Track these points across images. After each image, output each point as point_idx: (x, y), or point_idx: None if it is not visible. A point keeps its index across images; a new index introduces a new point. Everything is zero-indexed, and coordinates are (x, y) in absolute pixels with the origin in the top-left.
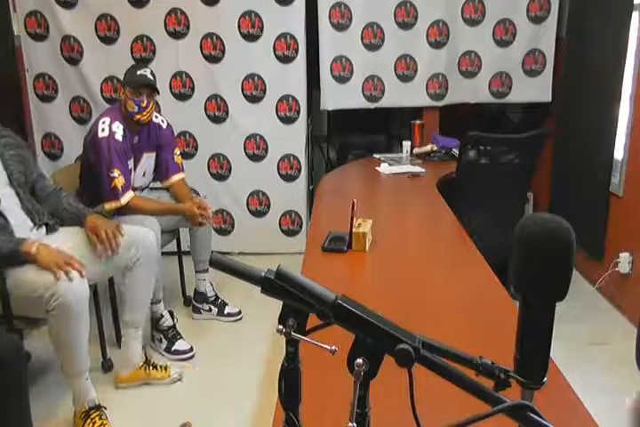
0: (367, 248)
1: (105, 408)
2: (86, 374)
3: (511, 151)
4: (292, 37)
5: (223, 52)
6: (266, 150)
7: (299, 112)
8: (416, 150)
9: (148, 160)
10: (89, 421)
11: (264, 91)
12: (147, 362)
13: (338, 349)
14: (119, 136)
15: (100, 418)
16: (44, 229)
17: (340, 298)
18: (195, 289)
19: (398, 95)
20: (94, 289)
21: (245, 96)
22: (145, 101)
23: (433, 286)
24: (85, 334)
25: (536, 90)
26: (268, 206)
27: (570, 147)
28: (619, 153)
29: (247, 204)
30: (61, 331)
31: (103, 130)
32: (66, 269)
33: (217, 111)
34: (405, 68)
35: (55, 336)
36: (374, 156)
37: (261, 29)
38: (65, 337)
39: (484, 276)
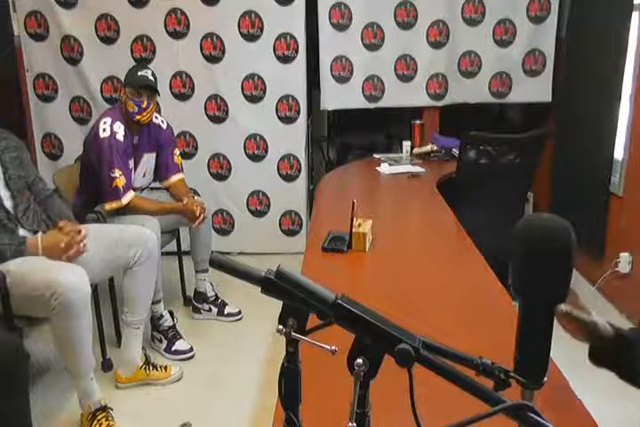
0: (367, 248)
1: (112, 409)
2: (91, 374)
3: (511, 151)
4: (292, 37)
5: (223, 52)
6: (266, 150)
7: (299, 112)
8: (416, 150)
9: (149, 160)
10: (95, 422)
11: (264, 91)
12: (147, 362)
13: (338, 349)
14: (120, 136)
15: (107, 419)
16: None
17: (340, 298)
18: (195, 289)
19: (398, 95)
20: (94, 289)
21: (245, 96)
22: (145, 102)
23: (433, 286)
24: (88, 333)
25: (536, 90)
26: (268, 206)
27: (570, 147)
28: (619, 153)
29: (247, 204)
30: (64, 331)
31: (104, 130)
32: (69, 256)
33: (217, 111)
34: (405, 68)
35: (58, 337)
36: (374, 156)
37: (261, 29)
38: (67, 337)
39: (484, 276)
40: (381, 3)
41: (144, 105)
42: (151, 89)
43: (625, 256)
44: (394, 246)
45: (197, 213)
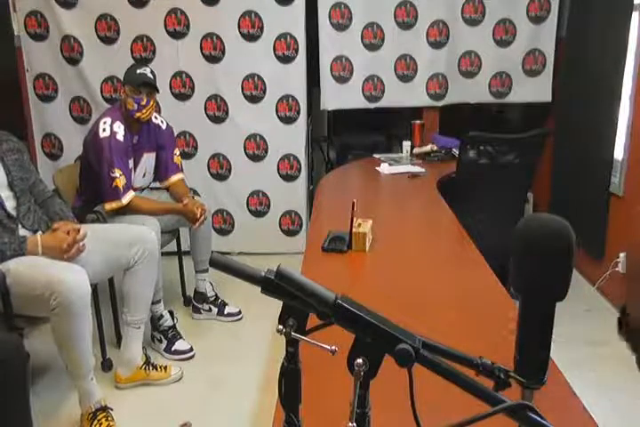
0: (367, 248)
1: (112, 409)
2: (91, 374)
3: (511, 151)
4: (292, 37)
5: (223, 52)
6: (266, 150)
7: (299, 112)
8: (416, 150)
9: (148, 160)
10: (95, 422)
11: (264, 91)
12: (147, 362)
13: (338, 349)
14: (120, 136)
15: (107, 419)
16: (39, 231)
17: (340, 298)
18: (195, 289)
19: (398, 95)
20: (94, 289)
21: (245, 96)
22: (145, 99)
23: (433, 286)
24: (88, 333)
25: (536, 90)
26: (268, 206)
27: (570, 147)
28: (619, 153)
29: (247, 204)
30: (64, 330)
31: (104, 130)
32: (69, 256)
33: (217, 111)
34: (405, 68)
35: (58, 336)
36: (374, 156)
37: (261, 29)
38: (67, 337)
39: (484, 276)
40: (381, 3)
41: (143, 102)
42: (150, 86)
43: (625, 256)
44: (394, 246)
45: (198, 215)
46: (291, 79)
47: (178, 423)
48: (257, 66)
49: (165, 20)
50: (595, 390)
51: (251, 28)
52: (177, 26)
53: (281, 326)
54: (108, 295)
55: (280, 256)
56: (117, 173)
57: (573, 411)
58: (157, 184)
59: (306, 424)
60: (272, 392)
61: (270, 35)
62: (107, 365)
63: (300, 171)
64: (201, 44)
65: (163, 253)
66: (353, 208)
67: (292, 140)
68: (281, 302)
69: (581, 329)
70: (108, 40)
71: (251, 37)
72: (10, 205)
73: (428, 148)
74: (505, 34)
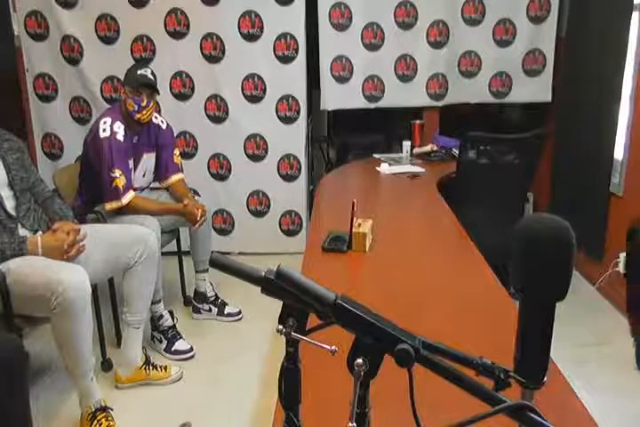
0: (367, 248)
1: (112, 409)
2: (91, 374)
3: (511, 151)
4: (292, 37)
5: (223, 52)
6: (266, 150)
7: (299, 112)
8: (416, 150)
9: (148, 160)
10: (95, 422)
11: (264, 91)
12: (147, 362)
13: (338, 349)
14: (120, 136)
15: (107, 419)
16: (40, 231)
17: (340, 298)
18: (195, 289)
19: (398, 95)
20: (94, 289)
21: (245, 96)
22: (145, 101)
23: (433, 286)
24: (88, 332)
25: (536, 90)
26: (268, 206)
27: (570, 147)
28: (619, 153)
29: (247, 204)
30: (64, 330)
31: (104, 130)
32: (69, 256)
33: (217, 111)
34: (405, 68)
35: (58, 336)
36: (374, 156)
37: (261, 29)
38: (68, 337)
39: (484, 276)
40: (381, 3)
41: (144, 103)
42: (151, 87)
43: (625, 256)
44: (394, 246)
45: (198, 216)
46: (291, 79)
47: (178, 423)
48: (257, 66)
49: (165, 20)
50: (595, 390)
51: (251, 28)
52: (177, 26)
53: (281, 326)
54: (107, 295)
55: (280, 256)
56: (117, 172)
57: (573, 411)
58: (157, 184)
59: (306, 424)
60: (272, 392)
61: (270, 35)
62: (107, 365)
63: (300, 171)
64: (201, 44)
65: (163, 253)
66: (353, 208)
67: (292, 140)
68: (281, 302)
69: (581, 329)
70: (108, 40)
71: (251, 37)
72: (10, 204)
73: (427, 148)
74: (505, 34)
